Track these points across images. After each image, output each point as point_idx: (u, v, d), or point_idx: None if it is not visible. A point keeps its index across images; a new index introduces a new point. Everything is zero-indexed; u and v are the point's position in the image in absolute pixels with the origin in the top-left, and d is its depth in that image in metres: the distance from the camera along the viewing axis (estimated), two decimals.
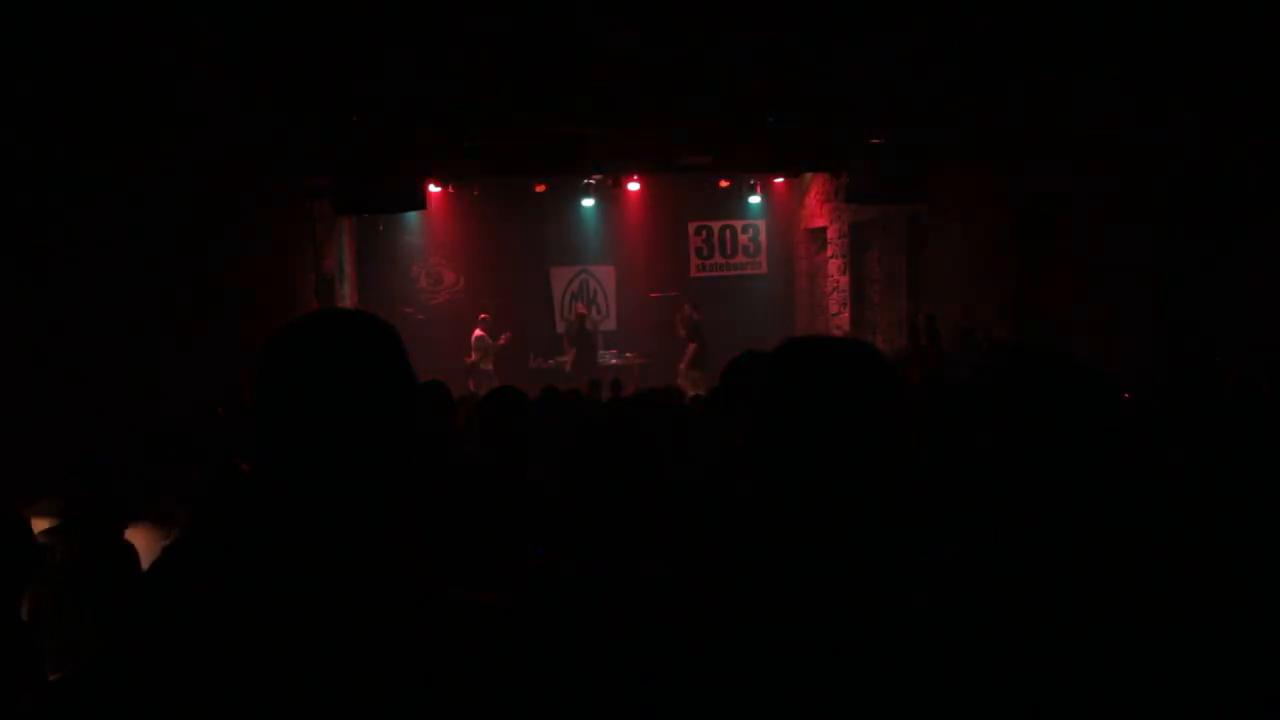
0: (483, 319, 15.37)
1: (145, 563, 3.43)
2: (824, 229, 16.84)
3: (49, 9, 5.24)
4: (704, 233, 18.05)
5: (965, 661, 1.28)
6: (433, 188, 14.36)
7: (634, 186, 15.38)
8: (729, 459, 2.60)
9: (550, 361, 16.18)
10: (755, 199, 17.31)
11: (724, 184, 16.58)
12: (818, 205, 16.97)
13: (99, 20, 5.84)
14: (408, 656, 1.16)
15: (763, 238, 18.19)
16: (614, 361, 16.23)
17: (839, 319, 16.38)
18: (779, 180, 16.44)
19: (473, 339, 15.16)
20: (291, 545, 1.20)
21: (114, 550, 3.53)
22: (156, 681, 1.15)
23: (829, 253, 16.73)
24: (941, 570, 1.72)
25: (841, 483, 1.31)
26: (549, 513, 2.91)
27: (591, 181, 15.63)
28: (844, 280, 16.16)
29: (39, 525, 3.57)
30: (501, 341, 15.33)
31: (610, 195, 16.00)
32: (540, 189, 15.91)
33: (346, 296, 14.61)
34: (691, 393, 9.76)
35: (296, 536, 1.20)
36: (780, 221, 18.11)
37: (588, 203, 16.43)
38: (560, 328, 17.24)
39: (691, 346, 15.69)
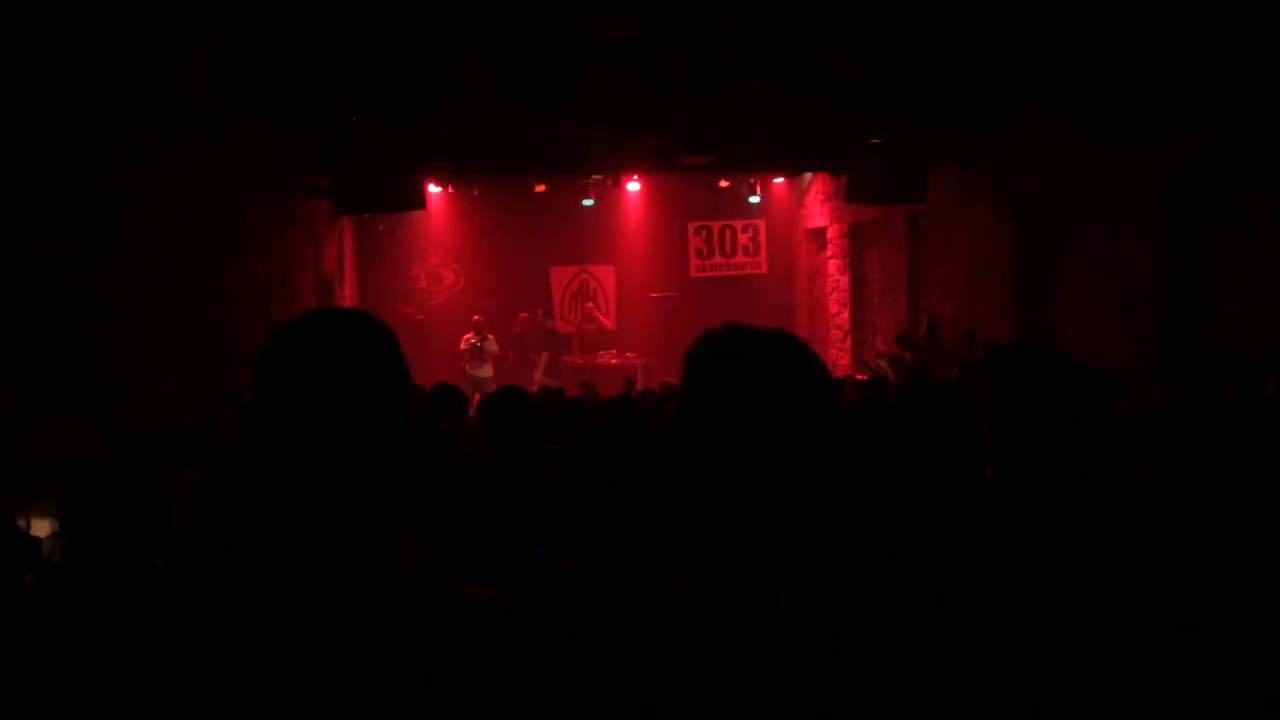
0: (475, 320, 14.90)
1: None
2: (824, 229, 16.84)
3: (48, 8, 5.24)
4: (704, 233, 18.04)
5: (965, 661, 1.28)
6: (433, 188, 14.32)
7: (634, 186, 15.37)
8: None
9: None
10: (755, 199, 17.30)
11: (724, 184, 16.58)
12: (817, 205, 16.97)
13: (97, 21, 5.83)
14: (408, 656, 1.16)
15: (763, 238, 18.18)
16: (613, 361, 16.22)
17: (839, 319, 16.39)
18: (779, 180, 16.43)
19: (461, 343, 14.79)
20: (291, 545, 1.20)
21: (115, 549, 3.53)
22: (157, 681, 1.15)
23: (829, 253, 16.74)
24: (941, 570, 1.72)
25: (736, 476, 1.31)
26: (549, 512, 2.91)
27: (591, 181, 15.62)
28: (844, 280, 16.16)
29: (40, 526, 3.57)
30: (474, 343, 14.65)
31: (610, 195, 15.98)
32: (540, 189, 15.90)
33: (346, 296, 14.58)
34: None
35: (296, 536, 1.20)
36: (780, 221, 18.10)
37: (588, 203, 16.43)
38: (561, 327, 17.26)
39: (544, 355, 15.41)
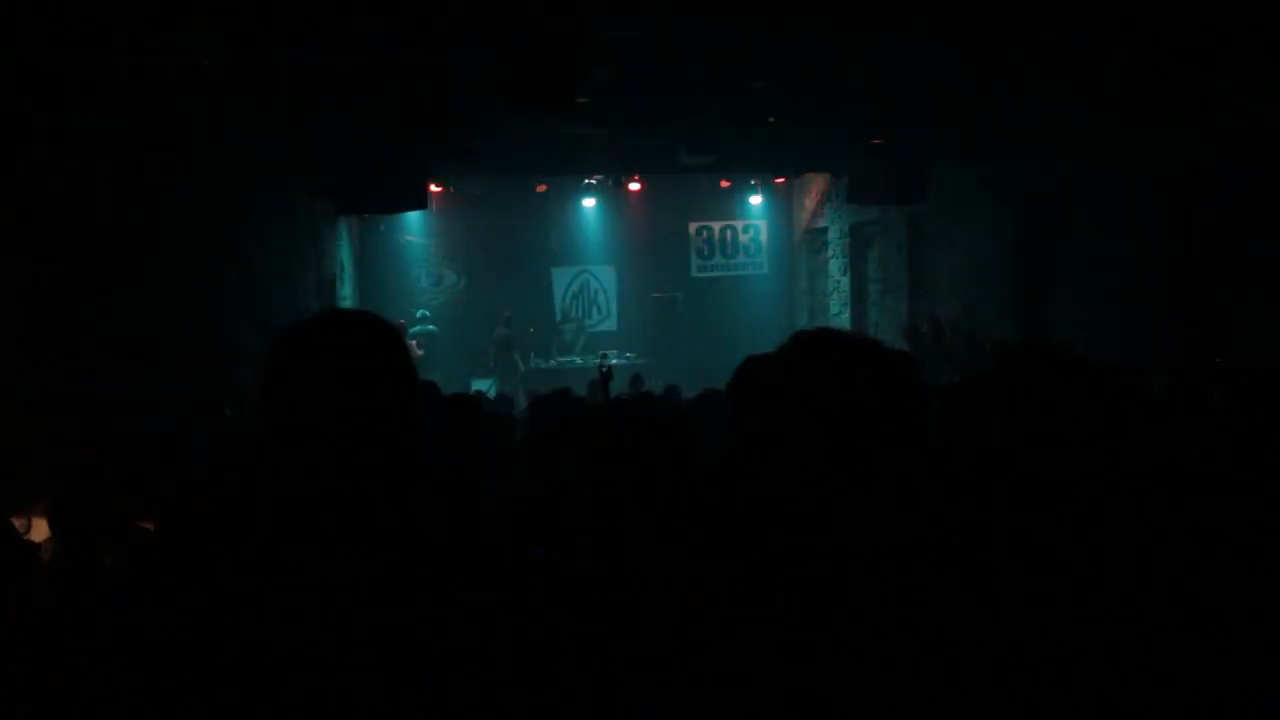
0: (399, 325, 14.50)
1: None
2: (824, 229, 16.83)
3: (49, 8, 5.23)
4: (704, 233, 18.04)
5: (965, 661, 1.28)
6: (433, 188, 14.30)
7: (634, 186, 15.37)
8: (733, 461, 2.59)
9: (553, 362, 16.16)
10: (755, 199, 17.29)
11: (724, 184, 16.57)
12: (817, 205, 16.97)
13: (96, 21, 5.83)
14: (408, 656, 1.16)
15: (763, 238, 18.19)
16: (615, 362, 16.22)
17: (839, 319, 16.38)
18: (779, 180, 16.42)
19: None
20: (292, 545, 1.20)
21: (113, 549, 3.53)
22: (157, 681, 1.15)
23: (829, 253, 16.73)
24: (942, 570, 1.72)
25: (849, 479, 1.31)
26: (551, 514, 2.90)
27: (592, 181, 15.60)
28: (844, 281, 16.16)
29: (40, 526, 3.57)
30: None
31: (610, 195, 15.97)
32: (540, 189, 15.90)
33: (347, 296, 14.56)
34: None
35: (296, 536, 1.20)
36: (780, 221, 18.10)
37: (588, 203, 16.41)
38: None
39: None
